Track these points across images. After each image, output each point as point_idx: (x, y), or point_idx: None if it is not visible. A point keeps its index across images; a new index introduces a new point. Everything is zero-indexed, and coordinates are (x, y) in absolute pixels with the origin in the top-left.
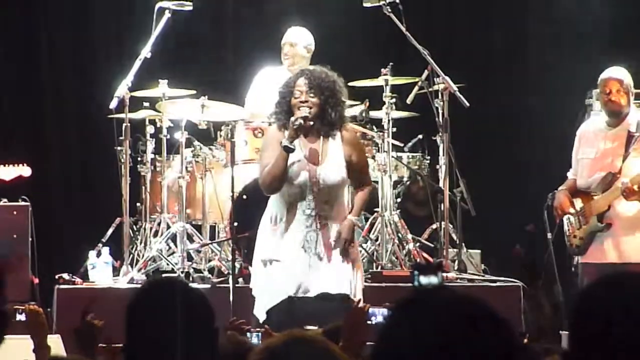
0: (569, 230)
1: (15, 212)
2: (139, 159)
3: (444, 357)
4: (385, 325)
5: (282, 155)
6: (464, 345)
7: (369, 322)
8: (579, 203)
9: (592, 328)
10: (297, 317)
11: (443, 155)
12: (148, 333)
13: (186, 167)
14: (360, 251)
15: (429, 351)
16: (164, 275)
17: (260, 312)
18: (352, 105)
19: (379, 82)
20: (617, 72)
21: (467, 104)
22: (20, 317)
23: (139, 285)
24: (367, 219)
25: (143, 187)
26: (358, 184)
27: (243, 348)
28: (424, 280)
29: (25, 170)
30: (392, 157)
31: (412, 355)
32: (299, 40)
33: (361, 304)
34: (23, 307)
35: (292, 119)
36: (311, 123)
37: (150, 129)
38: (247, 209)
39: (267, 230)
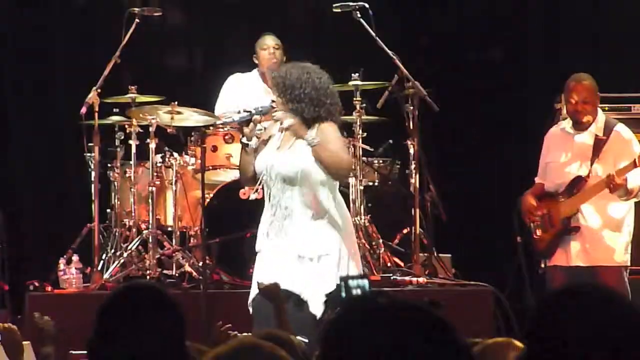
0: (535, 233)
1: None
2: (109, 165)
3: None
4: (333, 328)
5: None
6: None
7: None
8: (546, 206)
9: (548, 337)
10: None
11: (413, 159)
12: (117, 337)
13: (156, 173)
14: None
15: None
16: (138, 280)
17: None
18: None
19: (349, 87)
20: (582, 80)
21: (437, 109)
22: None
23: (113, 290)
24: None
25: (113, 194)
26: None
27: None
28: (352, 283)
29: None
30: (363, 161)
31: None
32: (279, 43)
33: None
34: None
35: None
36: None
37: (120, 135)
38: (218, 214)
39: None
